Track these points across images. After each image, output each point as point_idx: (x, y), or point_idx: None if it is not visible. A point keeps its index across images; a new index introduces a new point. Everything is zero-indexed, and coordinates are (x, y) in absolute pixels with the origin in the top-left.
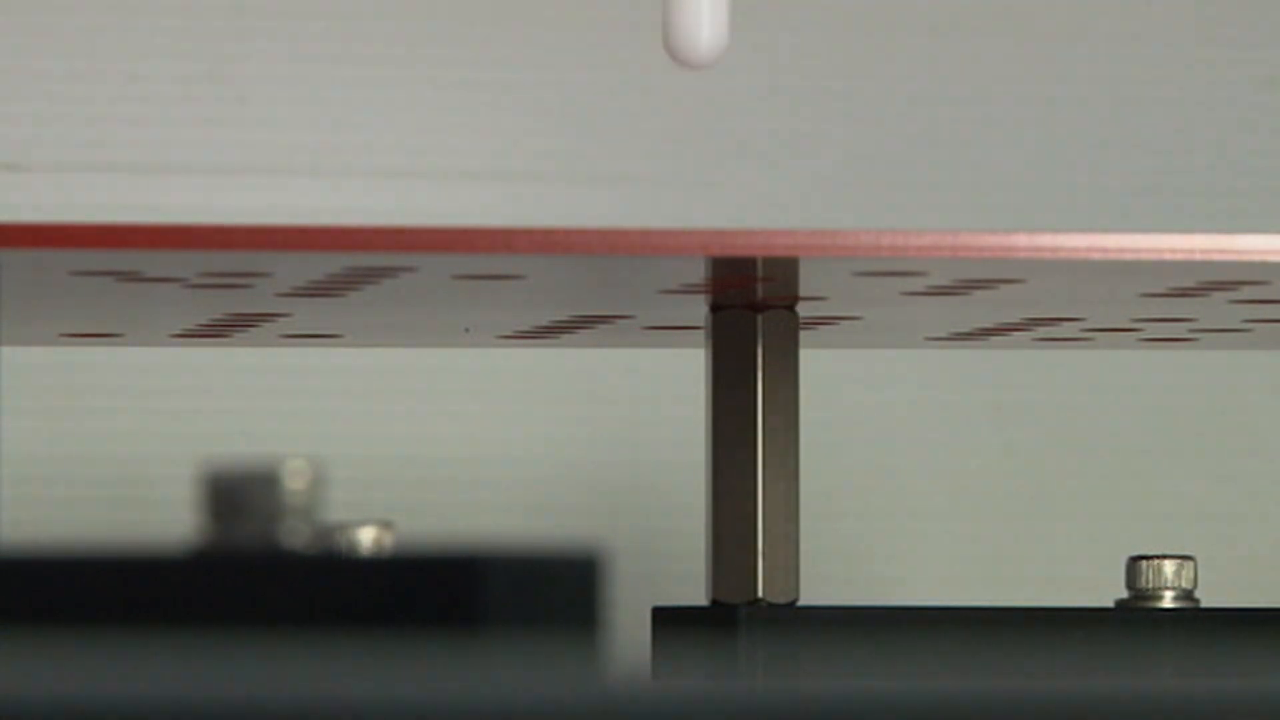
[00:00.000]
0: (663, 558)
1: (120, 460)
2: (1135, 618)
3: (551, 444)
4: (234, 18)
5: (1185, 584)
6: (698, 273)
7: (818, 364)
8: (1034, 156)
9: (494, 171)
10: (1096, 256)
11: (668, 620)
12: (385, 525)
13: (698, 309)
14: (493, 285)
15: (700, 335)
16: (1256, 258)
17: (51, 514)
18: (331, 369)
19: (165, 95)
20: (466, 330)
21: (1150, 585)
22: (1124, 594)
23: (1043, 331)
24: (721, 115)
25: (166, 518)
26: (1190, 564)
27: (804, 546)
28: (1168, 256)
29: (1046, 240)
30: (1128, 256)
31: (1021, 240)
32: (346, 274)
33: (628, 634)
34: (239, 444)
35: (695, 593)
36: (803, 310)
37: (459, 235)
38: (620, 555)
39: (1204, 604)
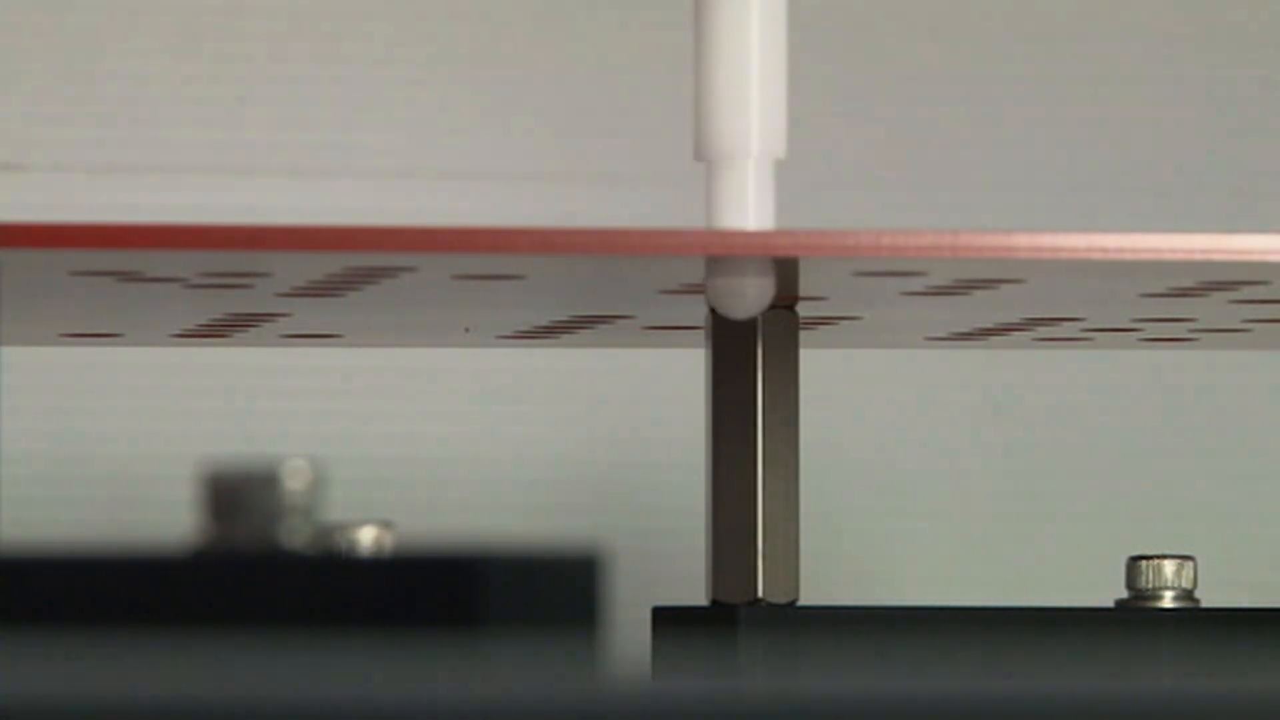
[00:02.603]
0: (663, 558)
1: (120, 460)
2: (1135, 618)
3: (551, 444)
4: (234, 18)
5: (1185, 584)
6: (698, 273)
7: (818, 364)
8: (1034, 156)
9: (494, 171)
10: (1096, 256)
11: (668, 620)
12: (385, 525)
13: (698, 309)
14: (493, 285)
15: (700, 335)
16: (1256, 258)
17: (51, 514)
18: (331, 369)
19: (165, 95)
20: (466, 330)
21: (1150, 585)
22: (1124, 594)
23: (1043, 331)
24: None
25: (166, 518)
26: (1190, 564)
27: (804, 546)
28: (1168, 256)
29: (1046, 240)
30: (1128, 256)
31: (1021, 240)
32: (346, 274)
33: (628, 634)
34: (239, 444)
35: (695, 593)
36: (803, 310)
37: (459, 235)
38: (620, 555)
39: (1204, 604)
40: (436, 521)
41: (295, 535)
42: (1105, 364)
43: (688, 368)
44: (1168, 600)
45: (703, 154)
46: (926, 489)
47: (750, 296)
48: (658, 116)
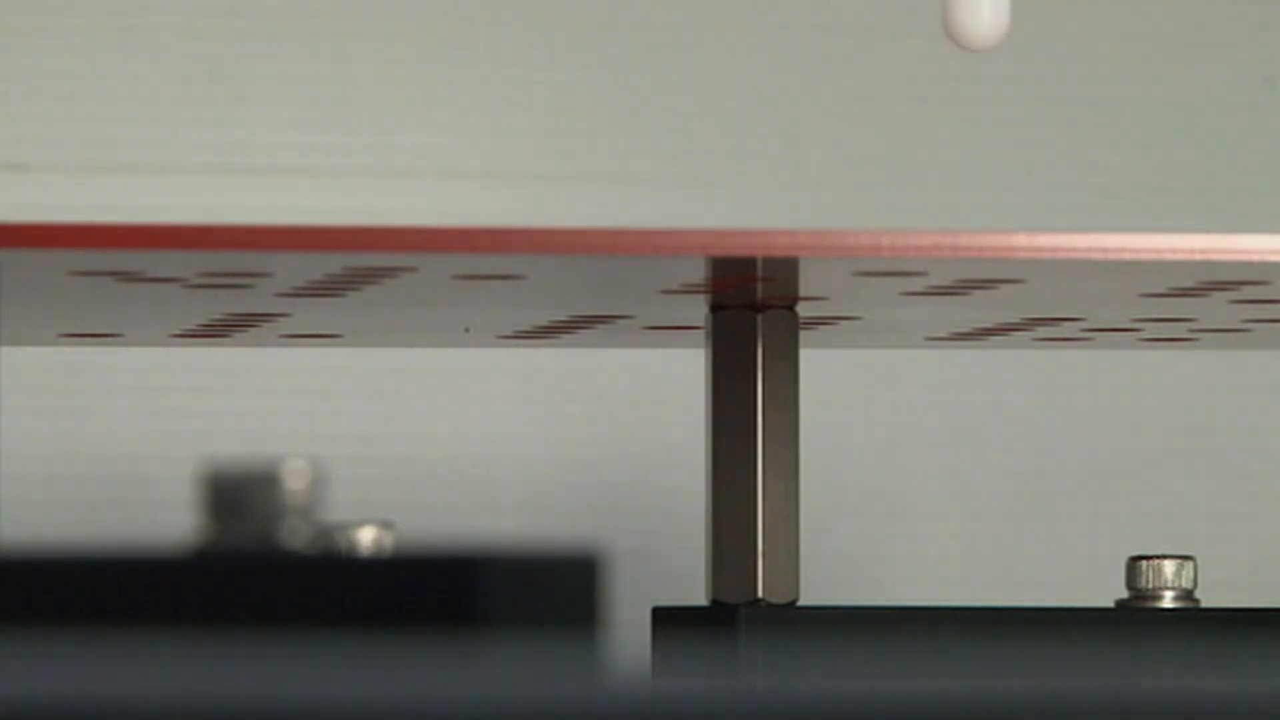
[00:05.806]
0: (663, 558)
1: (120, 460)
2: (1135, 618)
3: (551, 444)
4: (234, 18)
5: (1185, 584)
6: (698, 273)
7: (818, 364)
8: (1034, 156)
9: (494, 171)
10: (1096, 256)
11: (668, 620)
12: (385, 525)
13: (698, 309)
14: (493, 285)
15: (700, 335)
16: (1256, 258)
17: (51, 514)
18: (331, 369)
19: (165, 95)
20: (466, 330)
21: (1150, 585)
22: (1124, 594)
23: (1043, 331)
24: (721, 115)
25: (166, 518)
26: (1190, 564)
27: (804, 546)
28: (1168, 256)
29: (1046, 240)
30: (1128, 256)
31: (1021, 240)
32: (346, 274)
33: (628, 634)
34: (239, 444)
35: (695, 593)
36: (803, 310)
37: (459, 235)
38: (620, 555)
39: (1204, 604)
40: (436, 521)
41: (295, 535)
42: (1105, 364)
43: (688, 368)
44: (1168, 600)
45: None
46: (926, 489)
47: (986, 19)
48: (659, 116)
